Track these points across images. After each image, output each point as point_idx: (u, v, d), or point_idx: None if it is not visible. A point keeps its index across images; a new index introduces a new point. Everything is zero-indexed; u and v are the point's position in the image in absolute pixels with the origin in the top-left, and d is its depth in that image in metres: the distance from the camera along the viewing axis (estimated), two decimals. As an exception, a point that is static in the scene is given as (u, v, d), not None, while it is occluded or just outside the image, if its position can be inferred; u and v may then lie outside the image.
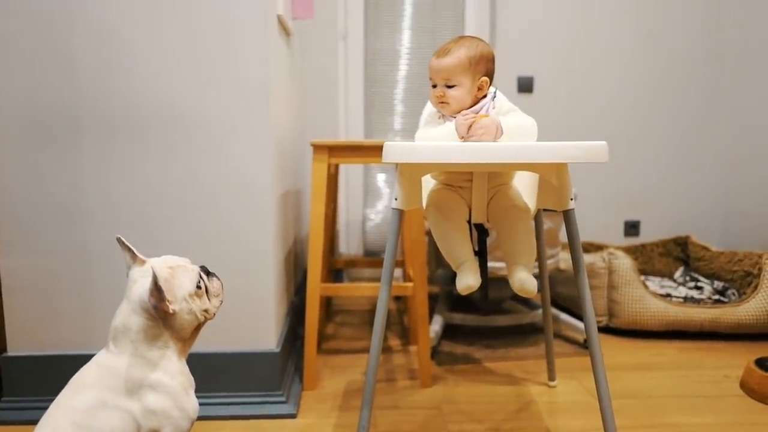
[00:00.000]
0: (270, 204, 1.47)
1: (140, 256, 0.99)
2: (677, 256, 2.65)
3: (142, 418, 0.92)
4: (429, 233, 2.01)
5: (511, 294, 2.03)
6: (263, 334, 1.50)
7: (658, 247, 2.65)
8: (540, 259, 1.61)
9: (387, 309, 1.19)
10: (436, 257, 2.22)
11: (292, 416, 1.47)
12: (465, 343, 2.06)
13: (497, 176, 1.30)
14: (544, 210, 1.45)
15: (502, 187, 1.31)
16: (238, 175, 1.44)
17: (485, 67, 1.25)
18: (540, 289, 1.64)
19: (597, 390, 1.16)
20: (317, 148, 1.65)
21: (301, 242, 2.39)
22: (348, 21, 2.81)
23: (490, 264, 1.80)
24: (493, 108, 1.24)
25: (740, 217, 2.80)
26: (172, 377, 0.95)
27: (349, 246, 2.94)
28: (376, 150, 1.66)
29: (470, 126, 1.18)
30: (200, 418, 1.38)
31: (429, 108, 1.51)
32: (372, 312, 2.52)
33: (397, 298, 2.67)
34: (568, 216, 1.17)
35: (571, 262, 2.20)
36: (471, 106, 1.24)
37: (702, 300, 2.20)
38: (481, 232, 1.36)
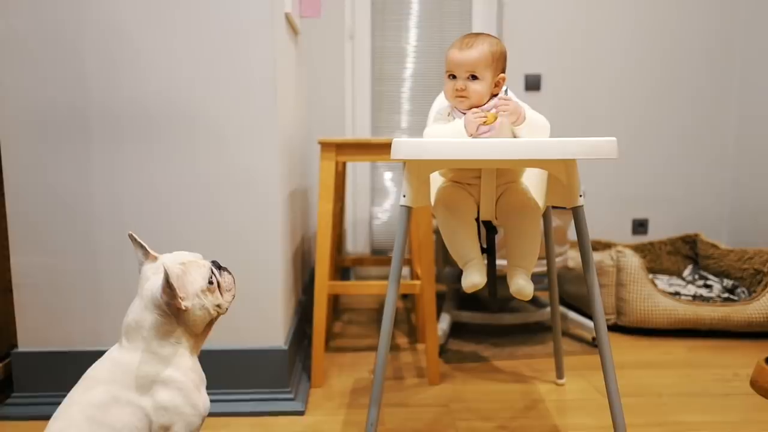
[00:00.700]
0: (277, 203, 1.47)
1: (152, 252, 1.00)
2: (686, 254, 2.63)
3: (153, 414, 0.92)
4: (437, 231, 2.01)
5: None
6: (271, 331, 1.50)
7: (666, 245, 2.64)
8: (548, 257, 1.60)
9: (395, 307, 1.19)
10: (443, 255, 2.22)
11: (300, 413, 1.48)
12: (473, 341, 2.06)
13: (506, 173, 1.30)
14: (553, 207, 1.45)
15: (512, 185, 1.30)
16: (246, 174, 1.45)
17: (503, 64, 1.25)
18: (549, 287, 1.64)
19: (606, 388, 1.16)
20: (325, 145, 1.65)
21: (308, 241, 2.39)
22: (355, 20, 2.82)
23: (498, 262, 1.80)
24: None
25: (749, 215, 2.78)
26: (184, 374, 0.96)
27: (356, 244, 2.94)
28: (383, 147, 1.66)
29: (480, 124, 1.18)
30: (209, 414, 1.39)
31: (437, 105, 1.51)
32: (379, 310, 2.52)
33: (405, 296, 2.67)
34: (577, 213, 1.17)
35: (578, 260, 2.20)
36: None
37: (711, 298, 2.18)
38: (489, 230, 1.35)
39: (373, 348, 2.00)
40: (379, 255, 2.92)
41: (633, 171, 2.87)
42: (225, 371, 1.48)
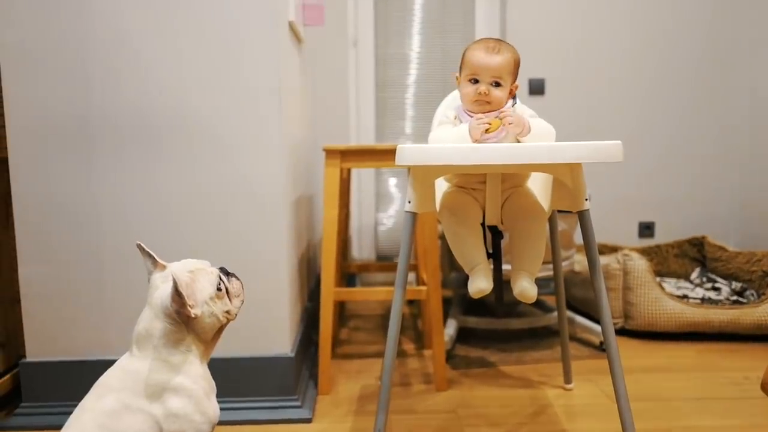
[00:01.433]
0: (283, 211, 1.48)
1: (161, 261, 1.00)
2: (693, 257, 2.62)
3: (164, 422, 0.92)
4: (442, 236, 2.00)
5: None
6: (278, 339, 1.50)
7: (673, 248, 2.63)
8: (555, 261, 1.60)
9: (401, 312, 1.19)
10: (449, 260, 2.22)
11: (308, 421, 1.48)
12: (480, 347, 2.05)
13: (511, 178, 1.30)
14: (558, 211, 1.44)
15: (517, 189, 1.30)
16: (251, 183, 1.45)
17: (518, 72, 1.26)
18: (555, 291, 1.63)
19: (615, 393, 1.15)
20: (329, 152, 1.65)
21: (313, 247, 2.39)
22: (358, 27, 2.83)
23: (504, 267, 1.79)
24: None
25: (757, 217, 2.76)
26: (194, 381, 0.96)
27: (361, 251, 2.94)
28: (388, 154, 1.66)
29: (483, 131, 1.18)
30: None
31: (442, 110, 1.51)
32: (385, 316, 2.52)
33: (411, 302, 2.67)
34: (583, 216, 1.17)
35: (585, 264, 2.19)
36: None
37: (720, 301, 2.17)
38: (495, 235, 1.35)
39: (380, 354, 2.00)
40: (385, 261, 2.92)
41: (638, 174, 2.86)
42: (232, 379, 1.48)
